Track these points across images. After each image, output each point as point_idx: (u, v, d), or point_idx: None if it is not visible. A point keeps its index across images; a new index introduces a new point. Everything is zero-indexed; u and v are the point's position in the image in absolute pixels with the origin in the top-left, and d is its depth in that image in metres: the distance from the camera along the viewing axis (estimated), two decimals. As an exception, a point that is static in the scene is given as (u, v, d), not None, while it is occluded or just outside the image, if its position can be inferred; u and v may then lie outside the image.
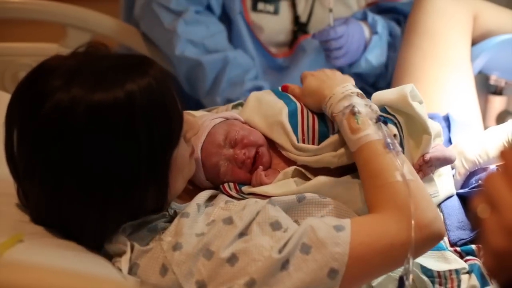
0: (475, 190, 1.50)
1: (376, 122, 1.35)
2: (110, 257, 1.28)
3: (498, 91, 2.26)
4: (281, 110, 1.49)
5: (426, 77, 1.92)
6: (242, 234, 1.24)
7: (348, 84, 1.43)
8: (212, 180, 1.48)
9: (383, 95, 1.47)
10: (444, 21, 1.98)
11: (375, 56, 2.27)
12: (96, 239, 1.26)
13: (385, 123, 1.36)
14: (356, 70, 2.29)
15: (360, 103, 1.37)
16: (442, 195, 1.51)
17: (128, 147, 1.20)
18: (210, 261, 1.21)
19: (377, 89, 1.81)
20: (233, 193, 1.43)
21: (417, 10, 2.03)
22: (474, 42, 2.05)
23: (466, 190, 1.52)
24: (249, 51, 2.32)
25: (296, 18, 2.32)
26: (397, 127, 1.41)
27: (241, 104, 1.65)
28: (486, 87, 2.26)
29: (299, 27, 2.33)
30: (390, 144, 1.32)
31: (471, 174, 1.58)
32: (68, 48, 2.16)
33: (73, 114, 1.15)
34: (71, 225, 1.25)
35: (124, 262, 1.25)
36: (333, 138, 1.43)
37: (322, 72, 1.50)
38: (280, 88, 1.57)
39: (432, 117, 1.79)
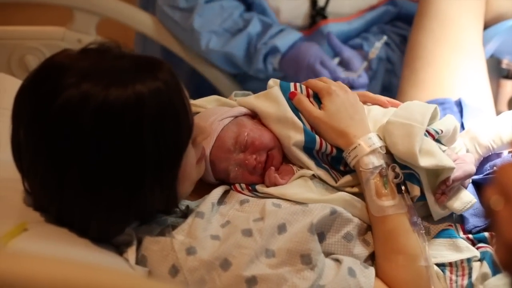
0: (489, 177, 1.47)
1: (399, 187, 1.36)
2: (116, 247, 1.27)
3: (510, 75, 2.24)
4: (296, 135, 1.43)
5: (438, 61, 1.90)
6: (268, 251, 1.24)
7: (373, 135, 1.39)
8: (222, 181, 1.45)
9: (394, 143, 1.38)
10: (456, 5, 1.95)
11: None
12: (100, 237, 1.24)
13: (405, 185, 1.37)
14: None
15: (385, 164, 1.37)
16: None
17: (133, 150, 1.17)
18: (227, 272, 1.21)
19: None
20: (246, 192, 1.40)
21: (428, -7, 2.00)
22: (486, 26, 2.02)
23: (480, 176, 1.50)
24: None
25: (313, 2, 2.30)
26: (416, 178, 1.38)
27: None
28: (498, 71, 2.24)
29: (317, 11, 2.30)
30: (415, 223, 1.34)
31: (485, 160, 1.55)
32: (75, 31, 2.15)
33: (82, 113, 1.14)
34: (75, 222, 1.22)
35: (131, 253, 1.24)
36: (350, 177, 1.42)
37: (345, 95, 1.45)
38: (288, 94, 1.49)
39: (443, 102, 1.77)
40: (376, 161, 1.36)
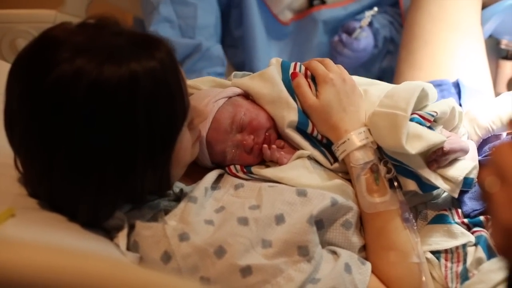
0: (488, 158, 1.45)
1: (391, 182, 1.34)
2: (108, 232, 1.25)
3: (509, 56, 2.22)
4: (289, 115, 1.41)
5: (435, 41, 1.87)
6: (265, 241, 1.22)
7: (365, 130, 1.37)
8: (218, 163, 1.43)
9: (380, 136, 1.36)
10: (454, -17, 1.93)
11: (368, 69, 2.28)
12: (89, 220, 1.21)
13: (397, 180, 1.35)
14: None
15: (377, 159, 1.35)
16: None
17: (125, 130, 1.15)
18: (221, 260, 1.19)
19: None
20: (241, 174, 1.38)
21: (426, -28, 1.97)
22: (484, 5, 2.00)
23: (479, 158, 1.47)
24: (253, 15, 2.27)
25: None
26: (409, 171, 1.35)
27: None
28: (496, 52, 2.22)
29: None
30: (407, 219, 1.33)
31: (484, 142, 1.53)
32: (66, 14, 2.13)
33: (74, 89, 1.11)
34: (63, 204, 1.20)
35: (121, 238, 1.22)
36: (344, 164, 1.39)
37: (341, 84, 1.42)
38: (290, 74, 1.47)
39: (441, 83, 1.75)
40: (367, 156, 1.35)
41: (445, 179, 1.36)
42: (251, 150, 1.40)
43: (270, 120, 1.42)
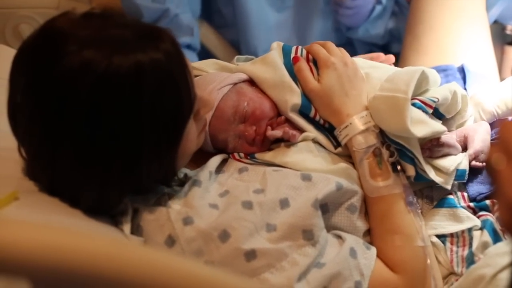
0: (494, 142, 1.45)
1: (394, 166, 1.34)
2: (111, 217, 1.24)
3: (514, 42, 2.21)
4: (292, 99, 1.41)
5: (440, 26, 1.86)
6: (269, 225, 1.22)
7: (367, 113, 1.36)
8: (220, 150, 1.42)
9: (383, 119, 1.35)
10: (459, -31, 1.91)
11: (375, 26, 2.25)
12: (94, 208, 1.21)
13: (400, 164, 1.34)
14: (351, 35, 2.27)
15: (380, 143, 1.34)
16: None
17: (132, 122, 1.14)
18: (225, 244, 1.18)
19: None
20: (244, 160, 1.38)
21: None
22: (489, -9, 1.99)
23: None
24: None
25: None
26: (410, 154, 1.34)
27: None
28: (502, 37, 2.21)
29: None
30: (411, 203, 1.33)
31: (490, 126, 1.52)
32: (69, 0, 2.12)
33: (82, 80, 1.11)
34: (65, 191, 1.19)
35: (125, 223, 1.22)
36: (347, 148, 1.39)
37: (343, 68, 1.42)
38: (291, 58, 1.46)
39: (446, 68, 1.74)
40: (369, 140, 1.34)
41: (438, 170, 1.36)
42: (253, 141, 1.39)
43: (273, 109, 1.42)
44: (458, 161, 1.37)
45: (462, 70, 1.76)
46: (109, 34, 1.15)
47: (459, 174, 1.38)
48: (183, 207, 1.23)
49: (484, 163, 1.38)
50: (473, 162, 1.39)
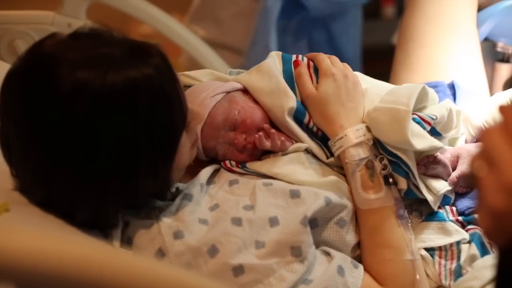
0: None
1: (386, 179, 1.34)
2: (101, 229, 1.24)
3: (505, 59, 2.20)
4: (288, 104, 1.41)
5: (431, 42, 1.87)
6: (258, 242, 1.22)
7: (362, 127, 1.37)
8: (212, 157, 1.43)
9: (383, 131, 1.36)
10: (450, -14, 1.93)
11: None
12: (88, 222, 1.21)
13: (392, 177, 1.35)
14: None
15: (373, 155, 1.35)
16: None
17: (128, 139, 1.15)
18: (213, 259, 1.19)
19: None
20: (235, 169, 1.38)
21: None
22: (480, 8, 1.99)
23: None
24: None
25: None
26: (405, 167, 1.35)
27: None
28: (493, 55, 2.21)
29: None
30: (402, 216, 1.33)
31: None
32: (65, 16, 2.12)
33: (79, 101, 1.11)
34: (60, 207, 1.19)
35: (115, 235, 1.23)
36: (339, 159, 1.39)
37: (343, 80, 1.42)
38: (292, 62, 1.48)
39: (436, 85, 1.75)
40: (362, 152, 1.35)
41: (428, 189, 1.37)
42: (243, 149, 1.40)
43: (264, 120, 1.42)
44: (446, 189, 1.38)
45: (452, 87, 1.77)
46: (99, 53, 1.16)
47: (445, 200, 1.40)
48: (174, 221, 1.24)
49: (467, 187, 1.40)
50: (459, 188, 1.41)
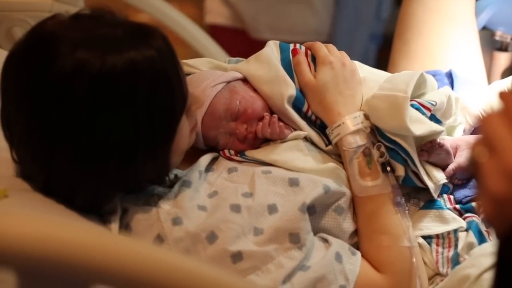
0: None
1: (384, 167, 1.34)
2: (100, 216, 1.25)
3: (503, 47, 2.19)
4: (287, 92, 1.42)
5: (429, 31, 1.87)
6: (257, 229, 1.23)
7: (359, 114, 1.37)
8: (211, 147, 1.43)
9: (381, 117, 1.36)
10: (448, -26, 1.92)
11: None
12: (86, 206, 1.22)
13: (390, 164, 1.35)
14: None
15: (370, 143, 1.35)
16: None
17: (128, 120, 1.15)
18: (212, 245, 1.19)
19: None
20: (234, 157, 1.39)
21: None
22: (478, -4, 1.99)
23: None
24: None
25: None
26: (404, 154, 1.35)
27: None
28: (491, 43, 2.20)
29: None
30: (399, 203, 1.33)
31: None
32: (63, 3, 2.11)
33: (78, 81, 1.11)
34: (60, 190, 1.20)
35: (114, 222, 1.23)
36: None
37: (340, 69, 1.43)
38: (290, 51, 1.48)
39: (434, 74, 1.75)
40: (360, 140, 1.35)
41: (429, 177, 1.37)
42: (244, 139, 1.40)
43: (265, 109, 1.42)
44: (444, 180, 1.38)
45: (450, 76, 1.77)
46: (101, 34, 1.16)
47: (444, 188, 1.41)
48: (173, 207, 1.24)
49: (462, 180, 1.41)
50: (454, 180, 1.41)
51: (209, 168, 1.36)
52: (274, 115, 1.40)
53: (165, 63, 1.19)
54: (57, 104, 1.12)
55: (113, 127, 1.15)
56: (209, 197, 1.28)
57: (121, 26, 1.19)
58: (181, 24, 2.28)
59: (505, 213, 0.75)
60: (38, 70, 1.13)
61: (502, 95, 0.78)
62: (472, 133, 1.54)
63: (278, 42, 1.51)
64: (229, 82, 1.44)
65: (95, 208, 1.24)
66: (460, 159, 1.40)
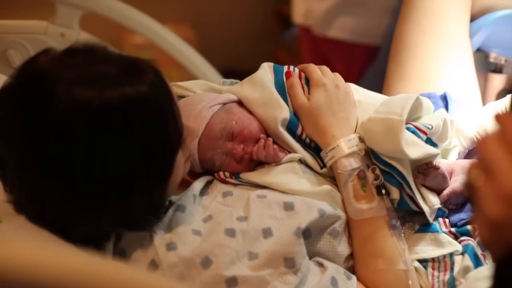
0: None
1: (379, 189, 1.34)
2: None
3: (498, 69, 2.20)
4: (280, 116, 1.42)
5: (424, 53, 1.87)
6: (251, 254, 1.22)
7: (354, 137, 1.38)
8: (207, 169, 1.43)
9: (376, 141, 1.36)
10: (443, -4, 1.93)
11: None
12: (81, 240, 1.20)
13: (385, 187, 1.35)
14: None
15: (365, 165, 1.35)
16: None
17: (124, 154, 1.15)
18: (207, 270, 1.18)
19: None
20: (229, 180, 1.38)
21: (415, -16, 1.97)
22: (472, 18, 1.99)
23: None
24: None
25: None
26: (399, 177, 1.35)
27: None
28: (485, 65, 2.20)
29: None
30: (394, 226, 1.33)
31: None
32: (58, 25, 2.12)
33: (77, 119, 1.11)
34: (56, 223, 1.18)
35: (108, 247, 1.22)
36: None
37: (334, 91, 1.43)
38: (284, 73, 1.48)
39: (429, 96, 1.75)
40: (354, 163, 1.35)
41: (424, 201, 1.37)
42: (240, 159, 1.40)
43: (261, 131, 1.42)
44: (439, 205, 1.38)
45: (444, 98, 1.77)
46: (96, 71, 1.15)
47: (439, 212, 1.40)
48: (167, 232, 1.24)
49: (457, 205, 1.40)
50: (449, 205, 1.41)
51: (203, 192, 1.36)
52: (269, 138, 1.40)
53: (159, 98, 1.19)
54: (54, 143, 1.11)
55: (109, 163, 1.14)
56: (203, 222, 1.27)
57: (114, 62, 1.18)
58: (176, 46, 2.28)
59: (501, 237, 0.75)
60: (35, 109, 1.12)
61: (498, 118, 0.78)
62: (466, 155, 1.53)
63: (272, 64, 1.51)
64: (225, 103, 1.44)
65: (91, 241, 1.22)
66: (455, 184, 1.39)
